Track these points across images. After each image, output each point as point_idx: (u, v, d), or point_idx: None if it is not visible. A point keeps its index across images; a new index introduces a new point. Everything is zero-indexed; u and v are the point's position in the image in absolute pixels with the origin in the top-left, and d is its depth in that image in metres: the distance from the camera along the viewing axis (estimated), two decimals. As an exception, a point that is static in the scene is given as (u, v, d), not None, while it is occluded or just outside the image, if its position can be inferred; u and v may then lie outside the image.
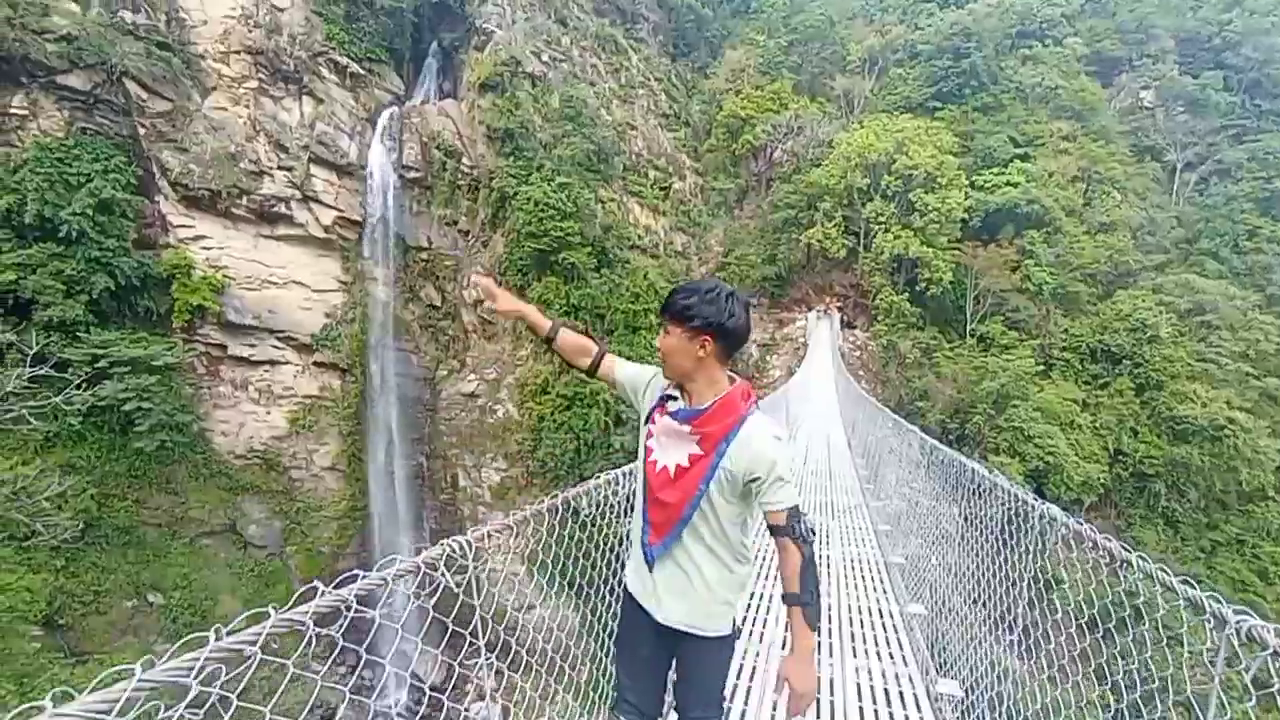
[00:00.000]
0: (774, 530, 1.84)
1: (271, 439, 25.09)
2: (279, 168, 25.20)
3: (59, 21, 21.07)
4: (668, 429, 1.95)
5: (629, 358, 3.03)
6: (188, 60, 23.75)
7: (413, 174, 28.49)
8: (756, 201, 38.91)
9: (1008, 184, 33.87)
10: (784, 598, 1.86)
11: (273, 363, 25.52)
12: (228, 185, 23.79)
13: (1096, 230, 35.10)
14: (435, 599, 1.69)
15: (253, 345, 25.02)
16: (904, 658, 4.42)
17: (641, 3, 40.70)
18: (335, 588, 1.35)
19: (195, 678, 0.97)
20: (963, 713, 3.76)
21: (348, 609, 1.33)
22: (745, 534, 1.98)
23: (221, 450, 24.00)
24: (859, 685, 4.00)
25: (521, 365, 27.51)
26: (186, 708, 1.03)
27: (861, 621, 5.03)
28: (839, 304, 34.43)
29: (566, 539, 2.92)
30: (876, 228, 32.74)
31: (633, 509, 2.16)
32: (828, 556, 6.64)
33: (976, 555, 4.34)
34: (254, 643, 1.08)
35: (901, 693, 3.94)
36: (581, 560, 2.98)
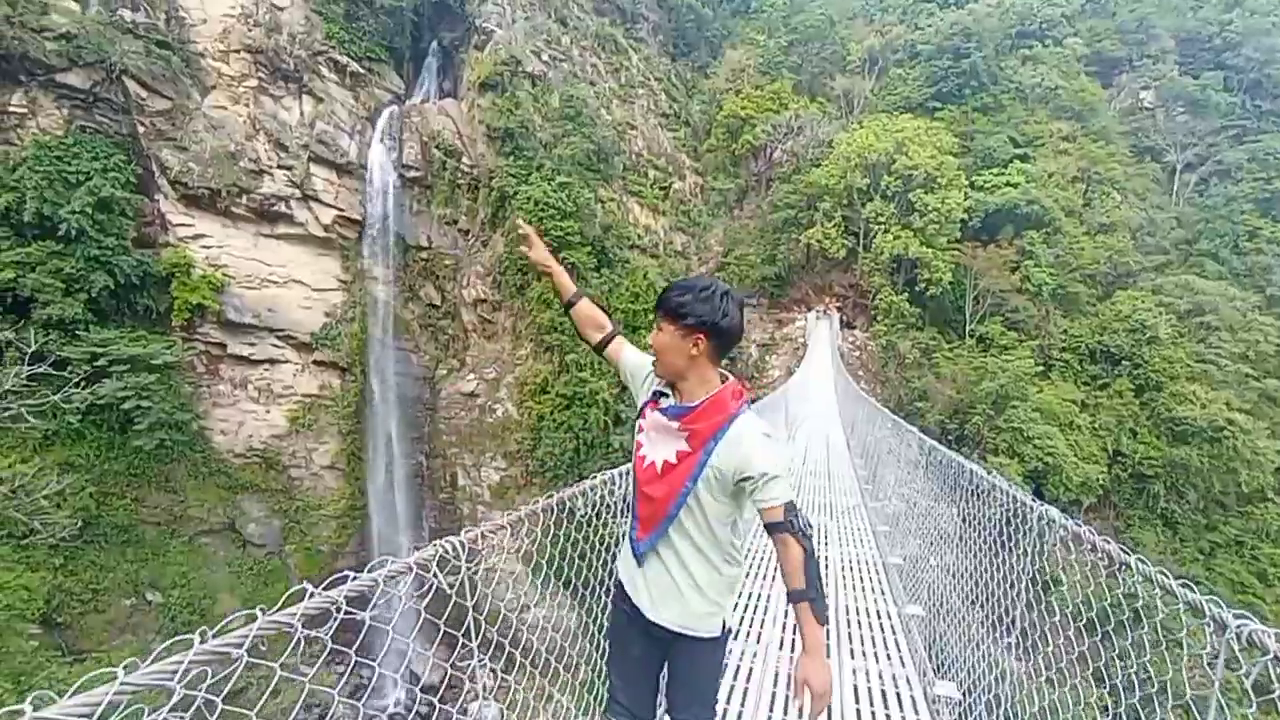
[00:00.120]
0: (772, 528, 1.81)
1: (271, 438, 25.09)
2: (279, 167, 25.18)
3: (58, 20, 21.03)
4: (657, 424, 1.95)
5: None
6: (187, 59, 23.71)
7: (413, 173, 28.47)
8: (756, 201, 38.92)
9: (1007, 184, 33.87)
10: (789, 595, 1.82)
11: (272, 361, 25.51)
12: (227, 184, 23.77)
13: (1096, 231, 35.11)
14: (427, 601, 1.68)
15: (252, 344, 25.01)
16: (901, 659, 4.41)
17: (642, 2, 40.68)
18: (325, 589, 1.33)
19: (180, 681, 0.95)
20: (961, 715, 3.75)
21: (338, 611, 1.31)
22: (735, 535, 1.96)
23: (221, 449, 23.99)
24: (856, 687, 3.99)
25: (521, 364, 27.50)
26: (177, 710, 1.01)
27: (859, 622, 5.01)
28: (838, 304, 34.43)
29: (562, 539, 2.90)
30: (876, 228, 32.74)
31: (629, 507, 2.15)
32: (826, 557, 6.62)
33: (975, 556, 4.32)
34: (241, 645, 1.06)
35: (899, 695, 3.93)
36: (577, 561, 2.96)
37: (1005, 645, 3.78)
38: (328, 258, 27.00)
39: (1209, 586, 24.31)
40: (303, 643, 1.23)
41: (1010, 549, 3.73)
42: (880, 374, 31.17)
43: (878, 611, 5.25)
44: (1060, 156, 36.80)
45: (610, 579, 2.26)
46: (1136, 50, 44.64)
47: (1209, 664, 1.63)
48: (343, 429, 26.42)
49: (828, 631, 4.75)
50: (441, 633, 1.99)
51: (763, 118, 38.54)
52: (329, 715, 17.62)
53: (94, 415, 20.09)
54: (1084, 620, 2.93)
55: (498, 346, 28.47)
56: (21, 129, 21.06)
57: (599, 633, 2.18)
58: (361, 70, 28.12)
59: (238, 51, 24.71)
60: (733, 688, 3.81)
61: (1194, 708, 1.83)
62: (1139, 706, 2.21)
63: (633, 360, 2.23)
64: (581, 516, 2.89)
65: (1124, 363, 29.90)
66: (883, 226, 32.39)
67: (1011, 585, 3.70)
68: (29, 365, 14.93)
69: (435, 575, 1.70)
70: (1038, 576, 3.44)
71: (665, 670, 2.11)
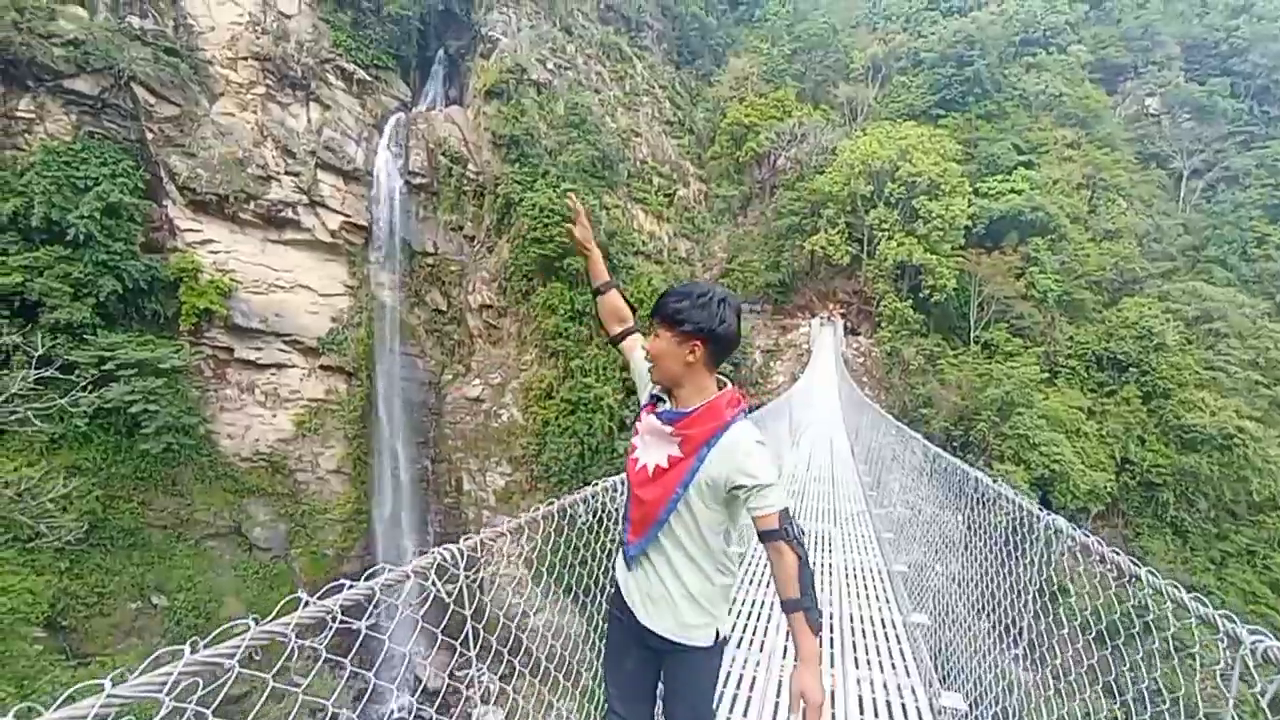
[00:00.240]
0: (765, 535, 1.78)
1: (277, 442, 25.16)
2: (286, 173, 25.36)
3: (66, 26, 21.24)
4: (651, 428, 1.94)
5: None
6: (195, 66, 23.95)
7: (419, 180, 28.63)
8: (760, 208, 38.96)
9: (1011, 191, 33.81)
10: (784, 604, 1.80)
11: (279, 366, 25.62)
12: (235, 190, 23.95)
13: (1102, 237, 34.97)
14: (425, 609, 1.65)
15: (259, 348, 25.12)
16: (906, 669, 4.35)
17: (646, 11, 40.90)
18: (321, 597, 1.31)
19: (168, 693, 0.93)
20: (967, 727, 3.69)
21: (333, 620, 1.29)
22: (728, 544, 1.95)
23: (227, 453, 24.06)
24: (860, 697, 3.93)
25: (526, 370, 27.53)
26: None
27: (863, 631, 4.95)
28: (842, 310, 34.35)
29: (563, 546, 2.88)
30: (880, 235, 32.69)
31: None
32: (830, 564, 6.57)
33: (981, 564, 4.27)
34: (233, 655, 1.04)
35: (904, 705, 3.87)
36: (578, 568, 2.94)
37: (1013, 656, 3.73)
38: (334, 263, 27.15)
39: (1220, 597, 24.03)
40: (304, 649, 1.21)
41: (1017, 559, 3.68)
42: (884, 380, 31.05)
43: (882, 620, 5.19)
44: (1065, 163, 36.72)
45: (611, 586, 2.24)
46: (1142, 57, 44.56)
47: (1222, 680, 1.59)
48: (349, 433, 26.48)
49: (832, 640, 4.70)
50: (439, 640, 1.97)
51: (766, 125, 38.61)
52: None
53: (101, 419, 20.19)
54: (1093, 634, 2.88)
55: (503, 352, 28.53)
56: (30, 134, 21.26)
57: (600, 640, 2.17)
58: (368, 78, 28.35)
59: (245, 59, 24.94)
60: (735, 696, 3.77)
61: (1207, 724, 1.78)
62: (1151, 722, 2.17)
63: (641, 360, 2.23)
64: (583, 524, 2.87)
65: (1131, 370, 29.69)
66: (886, 233, 32.35)
67: (1019, 595, 3.65)
68: (36, 369, 15.04)
69: (434, 583, 1.68)
70: (1045, 587, 3.39)
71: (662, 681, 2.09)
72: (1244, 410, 27.57)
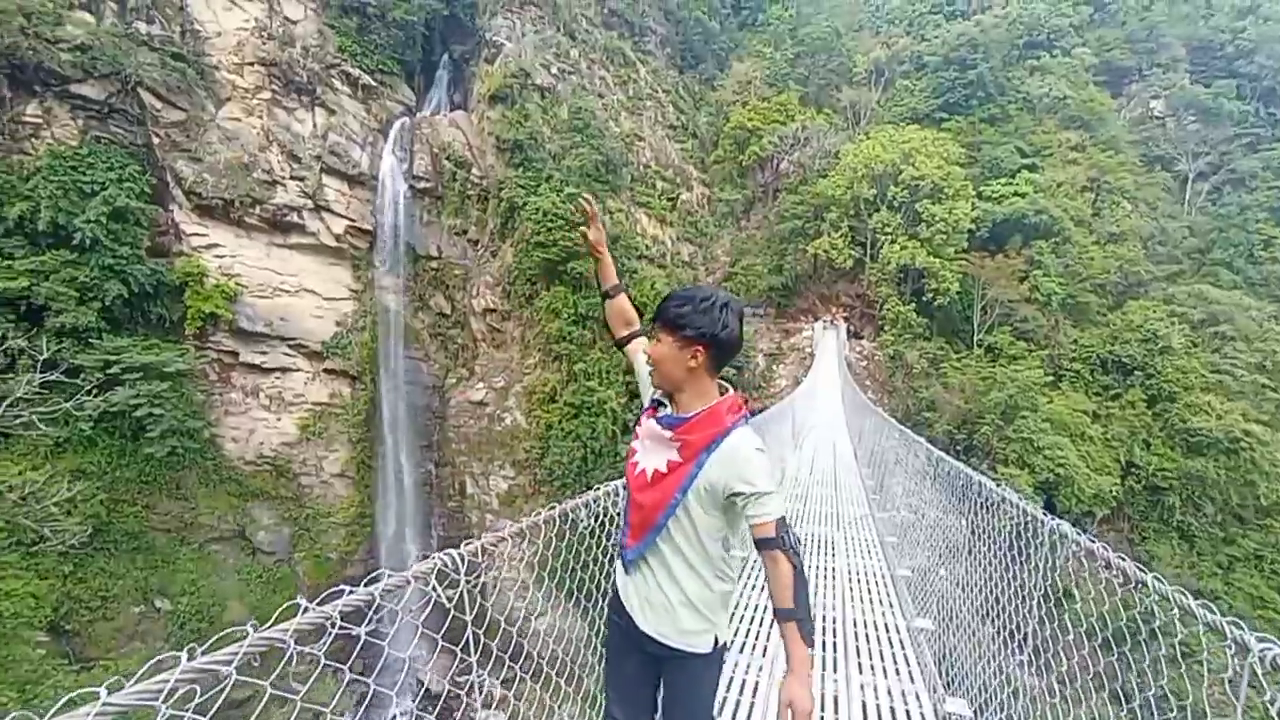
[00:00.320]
0: (761, 544, 1.77)
1: (281, 445, 25.22)
2: (291, 177, 25.50)
3: (73, 31, 21.40)
4: (651, 432, 1.93)
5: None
6: (202, 71, 24.12)
7: (423, 184, 28.75)
8: (763, 212, 38.97)
9: (1015, 194, 33.72)
10: (777, 614, 1.79)
11: (284, 370, 25.71)
12: (241, 194, 24.08)
13: (1106, 240, 34.85)
14: (427, 614, 1.65)
15: (264, 352, 25.21)
16: (911, 675, 4.31)
17: (649, 16, 41.05)
18: (321, 603, 1.31)
19: (165, 701, 0.93)
20: (972, 733, 3.66)
21: (333, 626, 1.29)
22: (728, 550, 1.94)
23: (232, 456, 24.13)
24: (864, 703, 3.90)
25: (529, 374, 27.55)
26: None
27: (867, 636, 4.92)
28: (845, 314, 34.32)
29: (564, 551, 2.87)
30: (883, 238, 32.67)
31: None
32: (833, 568, 6.53)
33: (985, 569, 4.24)
34: (230, 662, 1.04)
35: (909, 711, 3.84)
36: (579, 572, 2.93)
37: (1018, 662, 3.70)
38: (339, 267, 27.26)
39: (1228, 602, 23.84)
40: (306, 653, 1.21)
41: (1021, 564, 3.65)
42: (888, 384, 30.97)
43: (886, 625, 5.16)
44: (1069, 166, 36.63)
45: (611, 590, 2.23)
46: (1146, 59, 44.44)
47: (1231, 687, 1.58)
48: (353, 437, 26.53)
49: (835, 645, 4.67)
50: (441, 645, 1.96)
51: (769, 129, 38.66)
52: (334, 725, 17.52)
53: (106, 423, 20.27)
54: (1099, 640, 2.86)
55: (506, 355, 28.56)
56: (36, 139, 21.42)
57: (602, 645, 2.17)
58: (373, 83, 28.51)
59: (252, 64, 25.11)
60: (739, 702, 3.75)
61: (1216, 731, 1.76)
62: (1159, 729, 2.14)
63: (644, 364, 2.23)
64: (585, 528, 2.86)
65: (1136, 373, 29.52)
66: (890, 237, 32.32)
67: (1024, 600, 3.62)
68: (42, 373, 15.09)
69: (434, 589, 1.67)
70: (1050, 592, 3.36)
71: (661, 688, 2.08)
72: (1251, 414, 27.38)
